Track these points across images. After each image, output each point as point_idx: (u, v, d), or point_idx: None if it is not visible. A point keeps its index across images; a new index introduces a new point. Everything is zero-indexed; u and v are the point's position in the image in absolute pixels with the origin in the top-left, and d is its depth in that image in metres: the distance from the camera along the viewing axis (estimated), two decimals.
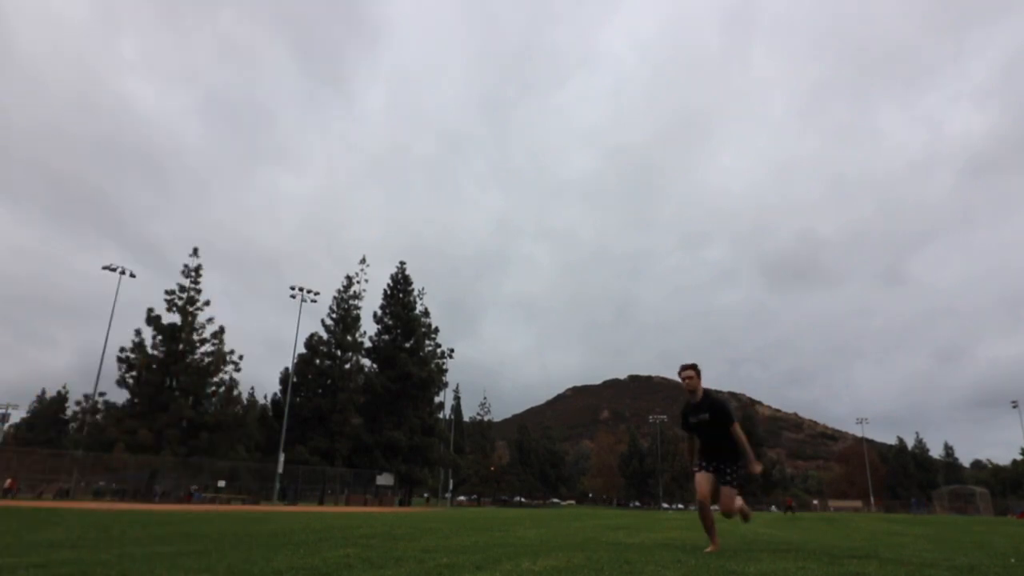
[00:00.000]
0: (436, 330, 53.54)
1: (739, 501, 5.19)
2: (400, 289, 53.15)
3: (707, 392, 5.19)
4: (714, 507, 5.27)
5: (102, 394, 39.12)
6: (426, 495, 71.22)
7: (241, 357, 40.21)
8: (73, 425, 58.10)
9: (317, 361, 46.83)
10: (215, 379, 39.17)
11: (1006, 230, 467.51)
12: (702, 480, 5.06)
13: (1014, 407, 66.38)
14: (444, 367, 52.94)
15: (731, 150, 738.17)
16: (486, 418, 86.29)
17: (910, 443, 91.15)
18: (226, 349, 39.76)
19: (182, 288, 39.27)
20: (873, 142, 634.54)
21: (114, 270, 40.90)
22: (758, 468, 4.89)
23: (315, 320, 76.07)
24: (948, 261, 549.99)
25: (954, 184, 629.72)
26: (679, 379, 5.22)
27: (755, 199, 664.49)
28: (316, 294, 43.97)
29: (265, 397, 51.91)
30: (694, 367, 5.17)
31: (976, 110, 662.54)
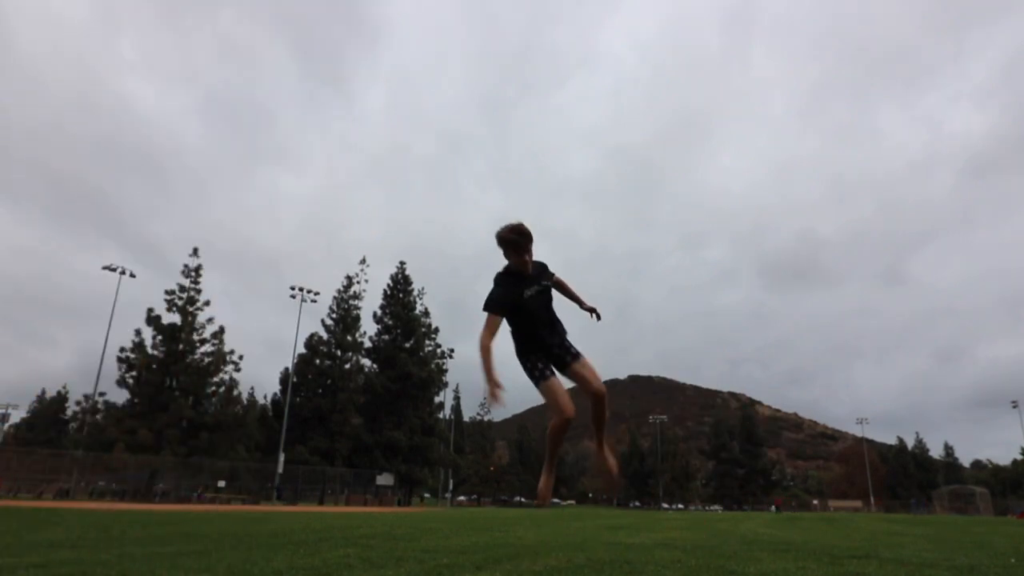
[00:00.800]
0: (436, 330, 53.61)
1: None
2: (400, 289, 53.18)
3: (533, 261, 3.71)
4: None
5: (102, 394, 39.17)
6: (426, 495, 71.22)
7: (241, 357, 40.26)
8: (73, 425, 58.10)
9: (317, 361, 46.86)
10: (215, 379, 39.17)
11: (1006, 230, 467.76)
12: (563, 390, 3.50)
13: (1014, 407, 66.44)
14: (444, 367, 52.99)
15: (731, 150, 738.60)
16: (486, 418, 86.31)
17: (910, 443, 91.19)
18: (226, 349, 39.81)
19: (182, 288, 39.28)
20: (873, 142, 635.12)
21: (114, 270, 40.94)
22: (594, 307, 3.90)
23: (315, 320, 75.98)
24: (948, 261, 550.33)
25: (954, 184, 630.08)
26: (505, 247, 3.54)
27: (755, 199, 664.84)
28: (316, 294, 44.04)
29: (265, 397, 51.98)
30: (531, 238, 3.58)
31: (976, 110, 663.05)
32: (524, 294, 3.62)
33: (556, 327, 3.71)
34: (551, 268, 3.83)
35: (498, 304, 3.51)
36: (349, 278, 49.77)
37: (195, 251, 40.32)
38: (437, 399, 53.74)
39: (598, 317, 3.97)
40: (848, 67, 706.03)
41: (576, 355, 3.64)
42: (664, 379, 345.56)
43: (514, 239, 3.53)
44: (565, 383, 3.59)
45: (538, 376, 3.56)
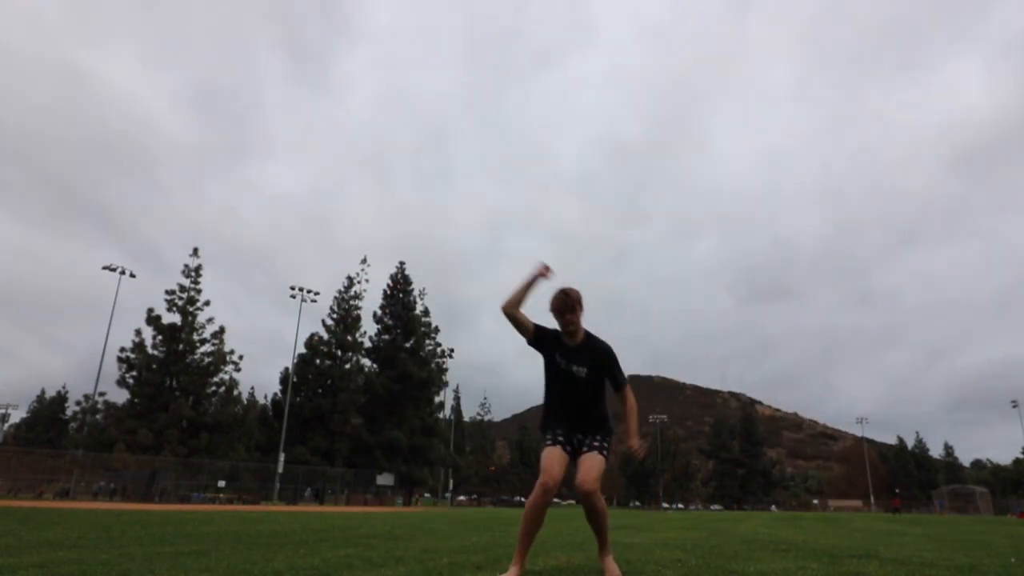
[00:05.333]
0: (436, 330, 53.61)
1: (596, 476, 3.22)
2: (400, 289, 53.18)
3: (589, 335, 3.38)
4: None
5: (102, 394, 39.13)
6: (426, 494, 71.24)
7: (241, 357, 40.19)
8: (73, 425, 58.08)
9: (317, 361, 46.85)
10: (215, 379, 39.15)
11: (1006, 229, 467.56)
12: (554, 458, 3.20)
13: (1014, 407, 66.45)
14: (444, 367, 53.01)
15: (729, 147, 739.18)
16: (486, 418, 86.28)
17: (910, 443, 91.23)
18: (226, 349, 39.77)
19: (182, 288, 39.25)
20: (870, 136, 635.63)
21: (114, 270, 40.93)
22: (639, 445, 3.40)
23: (315, 320, 76.14)
24: (945, 259, 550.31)
25: (953, 182, 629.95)
26: (555, 315, 3.31)
27: (751, 194, 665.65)
28: (316, 294, 44.03)
29: (265, 397, 51.96)
30: (578, 300, 3.29)
31: (974, 103, 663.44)
32: (559, 363, 3.35)
33: (583, 422, 3.37)
34: (616, 368, 3.38)
35: (535, 329, 3.37)
36: (350, 278, 49.78)
37: (195, 251, 40.29)
38: (437, 399, 53.70)
39: (638, 457, 3.63)
40: (846, 63, 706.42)
41: (596, 448, 3.29)
42: (664, 379, 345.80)
43: (554, 300, 3.32)
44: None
45: (547, 440, 3.35)
